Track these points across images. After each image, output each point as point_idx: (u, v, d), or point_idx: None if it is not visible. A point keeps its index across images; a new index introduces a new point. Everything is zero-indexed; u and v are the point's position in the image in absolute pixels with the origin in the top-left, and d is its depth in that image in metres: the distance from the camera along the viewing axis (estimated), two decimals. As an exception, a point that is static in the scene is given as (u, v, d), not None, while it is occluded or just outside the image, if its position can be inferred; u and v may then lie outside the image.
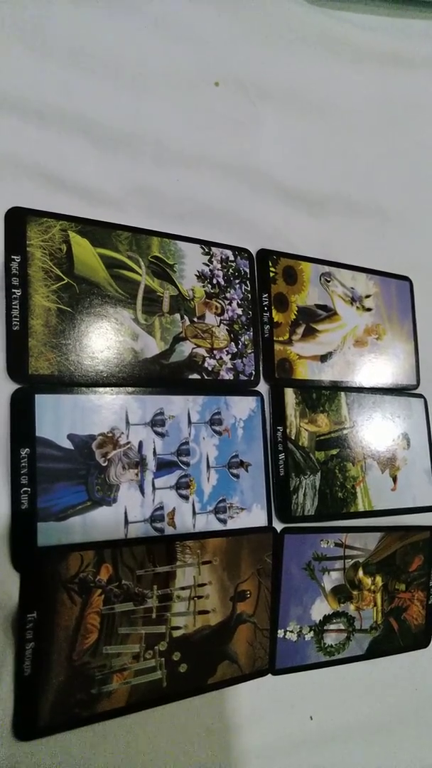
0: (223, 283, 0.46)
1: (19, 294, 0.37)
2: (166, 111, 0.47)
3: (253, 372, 0.46)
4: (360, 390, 0.52)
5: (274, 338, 0.48)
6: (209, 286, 0.45)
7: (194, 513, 0.42)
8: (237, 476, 0.44)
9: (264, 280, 0.48)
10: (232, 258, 0.47)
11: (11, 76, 0.42)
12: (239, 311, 0.46)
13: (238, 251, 0.47)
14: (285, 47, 0.53)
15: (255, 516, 0.45)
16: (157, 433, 0.41)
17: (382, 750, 0.48)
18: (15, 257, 0.38)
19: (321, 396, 0.49)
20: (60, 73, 0.43)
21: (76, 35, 0.44)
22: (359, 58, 0.58)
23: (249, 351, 0.46)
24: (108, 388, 0.40)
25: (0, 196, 0.39)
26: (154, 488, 0.40)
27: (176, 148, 0.47)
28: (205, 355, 0.44)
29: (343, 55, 0.57)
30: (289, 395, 0.48)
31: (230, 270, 0.46)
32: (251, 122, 0.51)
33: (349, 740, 0.47)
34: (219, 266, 0.46)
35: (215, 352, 0.45)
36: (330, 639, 0.47)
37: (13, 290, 0.37)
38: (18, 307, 0.37)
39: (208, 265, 0.45)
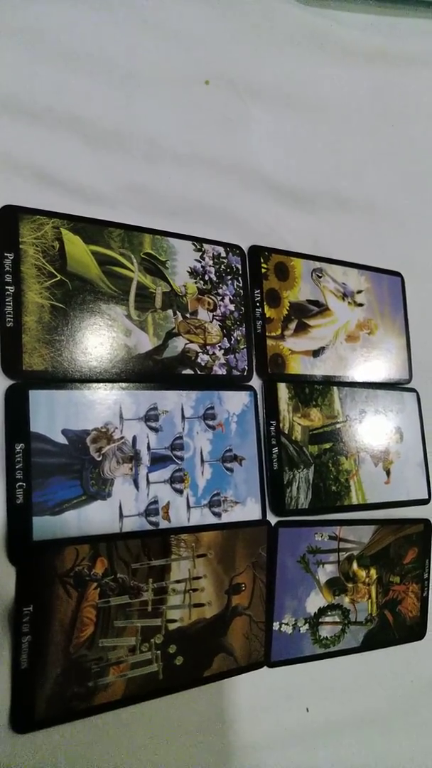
0: (215, 279, 0.46)
1: (12, 291, 0.38)
2: (157, 109, 0.47)
3: (246, 367, 0.47)
4: (352, 384, 0.53)
5: (267, 334, 0.48)
6: (201, 282, 0.46)
7: (189, 507, 0.42)
8: (231, 470, 0.45)
9: (256, 276, 0.49)
10: (224, 254, 0.47)
11: (3, 75, 0.42)
12: (231, 307, 0.47)
13: (230, 248, 0.48)
14: (275, 45, 0.54)
15: (249, 509, 0.45)
16: (151, 428, 0.41)
17: (378, 741, 0.49)
18: (8, 254, 0.38)
19: (314, 390, 0.50)
20: (52, 72, 0.44)
21: (67, 34, 0.45)
22: (349, 56, 0.58)
23: (242, 346, 0.47)
24: (102, 384, 0.40)
25: (-8, 194, 0.39)
26: (148, 482, 0.41)
27: (168, 145, 0.47)
28: (198, 350, 0.45)
29: (333, 53, 0.57)
30: (282, 390, 0.48)
31: (222, 266, 0.47)
32: (242, 120, 0.51)
33: (345, 732, 0.47)
34: (211, 262, 0.46)
35: (208, 347, 0.45)
36: (325, 631, 0.48)
37: (7, 287, 0.38)
38: (11, 303, 0.38)
39: (200, 262, 0.46)
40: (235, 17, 0.52)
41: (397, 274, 0.57)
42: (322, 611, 0.48)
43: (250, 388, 0.47)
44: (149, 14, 0.48)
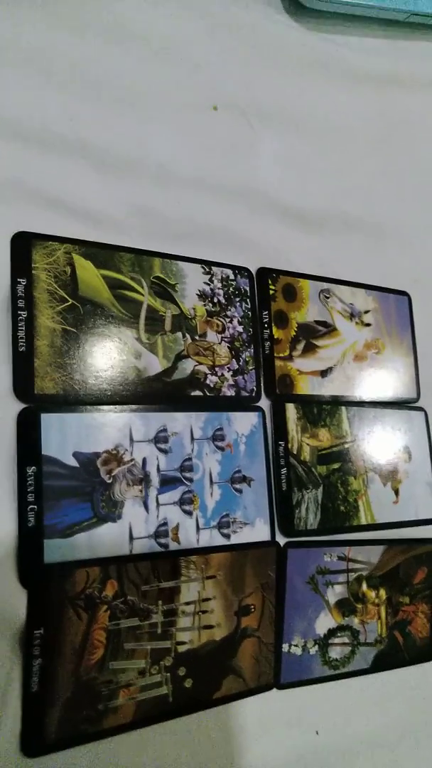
0: (223, 301, 0.47)
1: (24, 316, 0.38)
2: (166, 135, 0.48)
3: (255, 388, 0.47)
4: (361, 404, 0.53)
5: (275, 354, 0.49)
6: (210, 304, 0.46)
7: (198, 528, 0.42)
8: (240, 491, 0.45)
9: (264, 297, 0.49)
10: (232, 277, 0.48)
11: (14, 103, 0.43)
12: (240, 329, 0.47)
13: (238, 270, 0.48)
14: (281, 71, 0.55)
15: (258, 530, 0.45)
16: (161, 450, 0.42)
17: (389, 763, 0.48)
18: (21, 280, 0.39)
19: (322, 410, 0.50)
20: (62, 100, 0.45)
21: (77, 62, 0.46)
22: (355, 80, 0.59)
23: (250, 367, 0.47)
24: (112, 406, 0.40)
25: (6, 221, 0.40)
26: (158, 504, 0.41)
27: (177, 170, 0.48)
28: (207, 372, 0.45)
29: (339, 76, 0.58)
30: (291, 410, 0.48)
31: (231, 288, 0.47)
32: (249, 144, 0.52)
33: (355, 754, 0.47)
34: (220, 285, 0.47)
35: (217, 369, 0.46)
36: (335, 653, 0.47)
37: (19, 312, 0.38)
38: (24, 328, 0.38)
39: (209, 284, 0.46)
40: (243, 43, 0.53)
41: (404, 293, 0.58)
42: (331, 632, 0.47)
43: (259, 409, 0.47)
44: (157, 42, 0.49)
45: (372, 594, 0.50)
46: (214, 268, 0.47)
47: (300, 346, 0.50)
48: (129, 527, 0.40)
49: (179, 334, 0.44)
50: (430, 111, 0.63)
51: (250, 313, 0.48)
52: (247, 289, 0.48)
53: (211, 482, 0.44)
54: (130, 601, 0.38)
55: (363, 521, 0.50)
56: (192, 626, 0.41)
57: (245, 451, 0.46)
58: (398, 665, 0.51)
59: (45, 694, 0.35)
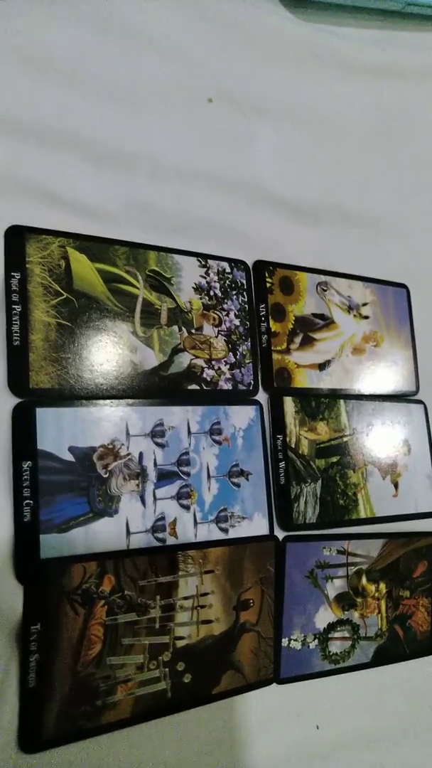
0: (220, 294, 0.47)
1: (19, 310, 0.38)
2: (161, 128, 0.48)
3: (252, 381, 0.47)
4: (359, 397, 0.52)
5: (272, 348, 0.48)
6: (206, 297, 0.46)
7: (195, 523, 0.42)
8: (238, 485, 0.45)
9: (261, 290, 0.49)
10: (228, 270, 0.47)
11: (9, 97, 0.43)
12: (237, 322, 0.47)
13: (235, 263, 0.48)
14: (276, 62, 0.54)
15: (256, 525, 0.45)
16: (157, 444, 0.42)
17: (390, 758, 0.48)
18: (15, 274, 0.38)
19: (320, 404, 0.50)
20: (57, 94, 0.44)
21: (71, 56, 0.45)
22: (350, 71, 0.59)
23: (247, 361, 0.47)
24: (108, 401, 0.40)
25: (1, 214, 0.39)
26: (155, 499, 0.41)
27: (172, 163, 0.48)
28: (204, 365, 0.45)
29: (334, 68, 0.58)
30: (288, 404, 0.48)
31: (227, 282, 0.47)
32: (245, 136, 0.52)
33: (356, 749, 0.47)
34: (216, 278, 0.47)
35: (213, 362, 0.45)
36: (335, 647, 0.47)
37: (14, 306, 0.38)
38: (18, 322, 0.38)
39: (205, 278, 0.46)
40: (237, 35, 0.53)
41: (403, 285, 0.57)
42: (331, 626, 0.47)
43: (256, 403, 0.47)
44: (152, 34, 0.49)
45: (372, 588, 0.50)
46: (210, 261, 0.47)
47: (297, 339, 0.50)
48: (126, 522, 0.39)
49: (175, 328, 0.44)
50: (427, 102, 0.62)
51: (246, 306, 0.48)
52: (244, 282, 0.48)
53: (209, 476, 0.43)
54: (128, 596, 0.38)
55: (362, 515, 0.50)
56: (190, 621, 0.40)
57: (243, 444, 0.45)
58: (399, 659, 0.51)
59: (42, 689, 0.35)
